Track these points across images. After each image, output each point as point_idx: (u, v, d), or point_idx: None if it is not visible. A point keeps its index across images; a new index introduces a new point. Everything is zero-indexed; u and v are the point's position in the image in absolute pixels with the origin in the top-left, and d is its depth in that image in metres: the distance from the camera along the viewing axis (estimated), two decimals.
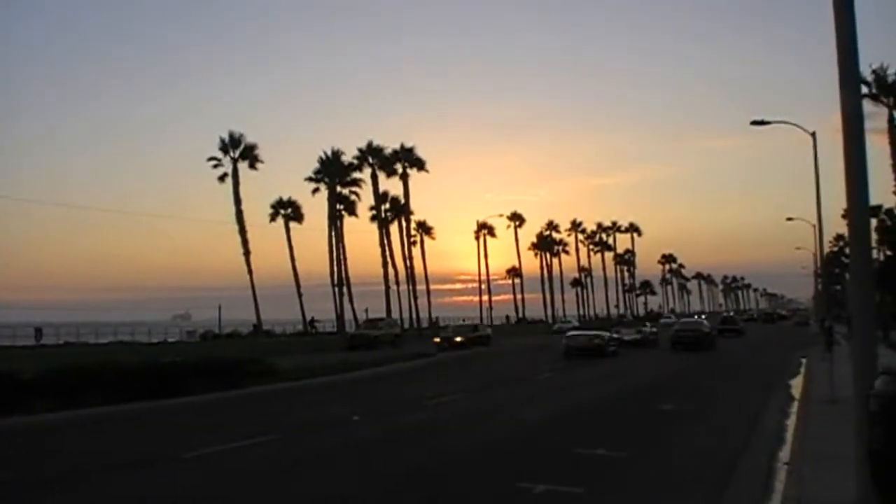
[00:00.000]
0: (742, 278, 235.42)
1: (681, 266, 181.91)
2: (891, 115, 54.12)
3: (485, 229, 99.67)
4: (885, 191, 57.81)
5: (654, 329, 58.21)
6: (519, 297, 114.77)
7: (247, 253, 67.68)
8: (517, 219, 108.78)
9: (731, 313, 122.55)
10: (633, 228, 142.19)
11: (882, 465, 4.41)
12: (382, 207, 76.92)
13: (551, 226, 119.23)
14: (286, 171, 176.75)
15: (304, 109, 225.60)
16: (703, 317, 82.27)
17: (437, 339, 51.21)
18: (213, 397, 21.20)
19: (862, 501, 6.28)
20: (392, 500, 9.98)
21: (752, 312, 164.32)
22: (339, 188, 71.94)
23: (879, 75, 53.36)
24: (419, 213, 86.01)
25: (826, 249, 51.37)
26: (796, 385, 23.29)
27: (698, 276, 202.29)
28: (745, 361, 36.71)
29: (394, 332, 55.38)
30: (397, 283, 77.55)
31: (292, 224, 72.34)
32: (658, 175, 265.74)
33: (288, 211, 72.27)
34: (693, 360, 36.97)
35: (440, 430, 15.99)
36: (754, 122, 33.90)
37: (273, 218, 72.22)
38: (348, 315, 71.44)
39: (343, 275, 71.64)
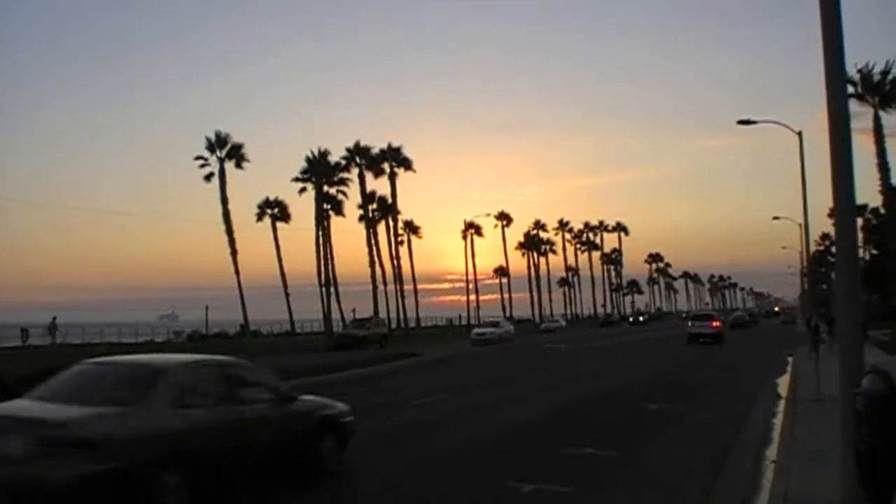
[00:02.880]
0: (729, 277, 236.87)
1: (667, 265, 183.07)
2: (876, 114, 54.35)
3: (472, 229, 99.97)
4: (870, 190, 58.32)
5: (723, 318, 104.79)
6: (506, 296, 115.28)
7: (234, 253, 67.72)
8: (504, 218, 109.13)
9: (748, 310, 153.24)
10: (619, 228, 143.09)
11: (869, 464, 4.42)
12: (370, 207, 76.93)
13: (538, 225, 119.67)
14: (273, 171, 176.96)
15: (291, 109, 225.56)
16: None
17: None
18: None
19: (848, 499, 6.31)
20: (385, 498, 9.97)
21: (755, 309, 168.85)
22: (326, 188, 71.89)
23: (865, 75, 53.51)
24: (406, 212, 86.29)
25: (812, 248, 51.51)
26: (783, 383, 23.43)
27: (685, 275, 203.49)
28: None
29: (381, 332, 55.14)
30: (385, 282, 77.67)
31: (279, 224, 72.48)
32: (645, 175, 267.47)
33: (275, 211, 72.29)
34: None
35: (433, 427, 15.99)
36: (741, 122, 33.80)
37: (260, 218, 72.31)
38: (335, 315, 71.57)
39: (330, 275, 71.66)
